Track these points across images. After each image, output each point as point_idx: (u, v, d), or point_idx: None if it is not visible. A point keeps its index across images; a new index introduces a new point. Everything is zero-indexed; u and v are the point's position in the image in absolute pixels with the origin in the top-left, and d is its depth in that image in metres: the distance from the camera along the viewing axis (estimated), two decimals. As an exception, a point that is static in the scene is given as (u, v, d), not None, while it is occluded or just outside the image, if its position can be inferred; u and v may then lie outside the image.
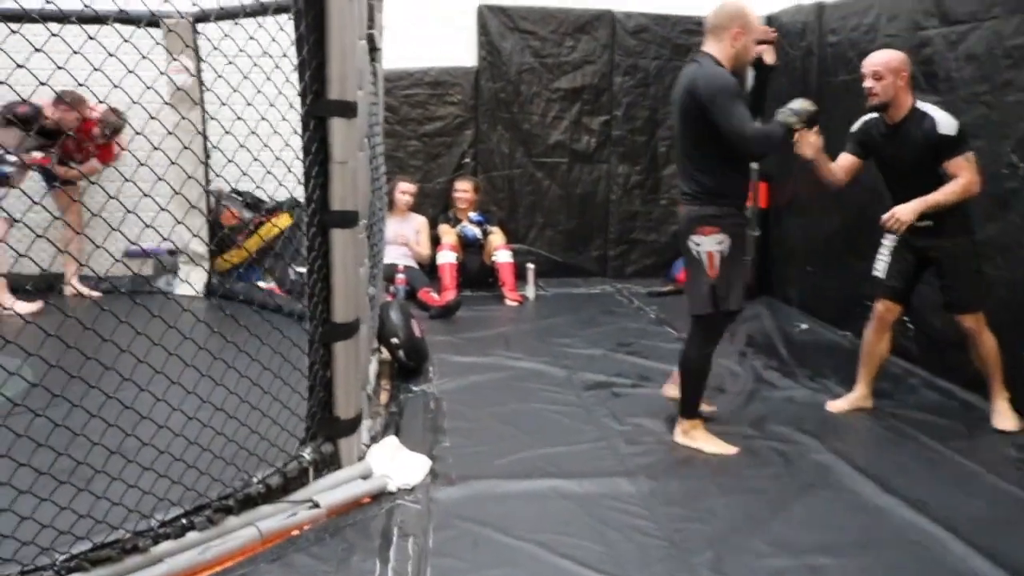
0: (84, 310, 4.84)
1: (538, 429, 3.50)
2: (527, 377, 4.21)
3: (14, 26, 2.02)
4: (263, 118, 2.64)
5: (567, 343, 4.84)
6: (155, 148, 2.20)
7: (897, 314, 3.68)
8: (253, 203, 5.63)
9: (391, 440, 3.14)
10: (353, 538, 2.53)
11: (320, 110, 2.62)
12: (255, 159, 2.70)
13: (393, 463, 2.98)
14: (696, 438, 3.35)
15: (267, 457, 2.65)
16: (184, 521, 2.32)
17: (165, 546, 2.24)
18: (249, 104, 2.62)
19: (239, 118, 2.63)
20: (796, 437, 3.45)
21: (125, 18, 3.26)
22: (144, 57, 2.30)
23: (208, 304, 5.40)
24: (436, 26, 6.34)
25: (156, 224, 2.48)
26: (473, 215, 6.17)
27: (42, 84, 2.04)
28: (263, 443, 2.67)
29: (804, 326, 5.27)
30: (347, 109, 2.68)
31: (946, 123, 3.31)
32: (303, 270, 2.93)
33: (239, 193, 5.72)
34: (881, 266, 3.63)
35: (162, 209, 2.43)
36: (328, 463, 2.82)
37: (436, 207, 6.51)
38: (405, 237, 6.13)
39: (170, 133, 2.31)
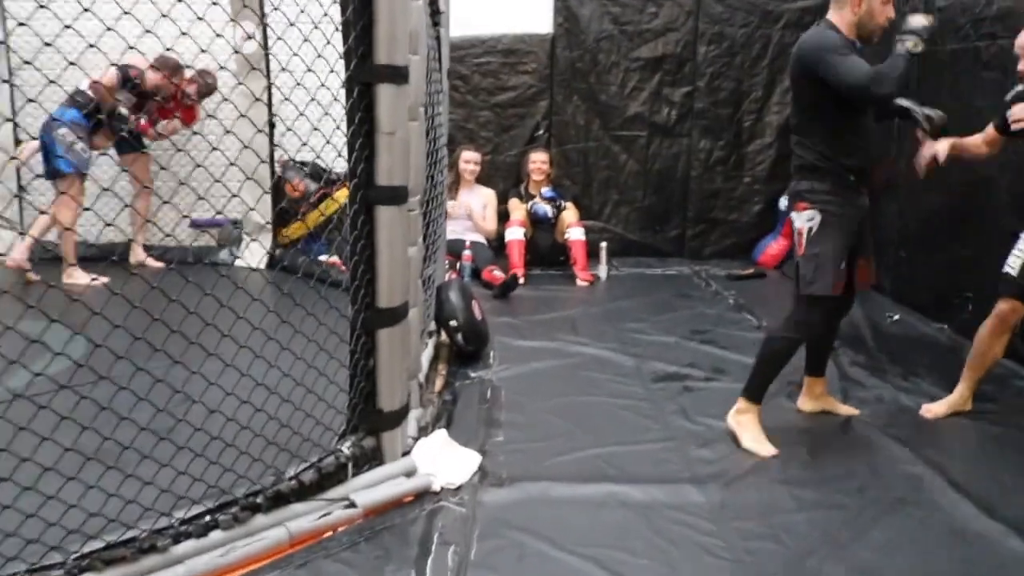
0: (142, 282, 4.78)
1: (600, 425, 3.24)
2: (592, 365, 3.95)
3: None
4: (323, 84, 2.41)
5: (638, 328, 4.56)
6: (227, 131, 2.05)
7: (1023, 315, 3.30)
8: (315, 173, 5.47)
9: (440, 434, 2.93)
10: (389, 543, 2.32)
11: (366, 75, 2.39)
12: (315, 128, 2.50)
13: (440, 459, 2.77)
14: (742, 424, 3.08)
15: (301, 452, 2.46)
16: (208, 519, 2.15)
17: (186, 546, 2.07)
18: (309, 70, 2.40)
19: (299, 84, 2.42)
20: (884, 444, 3.11)
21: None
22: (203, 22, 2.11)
23: (268, 278, 5.28)
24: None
25: (218, 195, 2.31)
26: (546, 191, 5.89)
27: (130, 48, 2.03)
28: (305, 431, 2.48)
29: (895, 317, 4.87)
30: (396, 75, 2.45)
31: None
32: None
33: (302, 164, 5.58)
34: (1016, 263, 3.24)
35: (217, 180, 2.27)
36: (369, 458, 2.62)
37: (507, 181, 6.28)
38: (471, 210, 5.91)
39: (241, 118, 2.12)
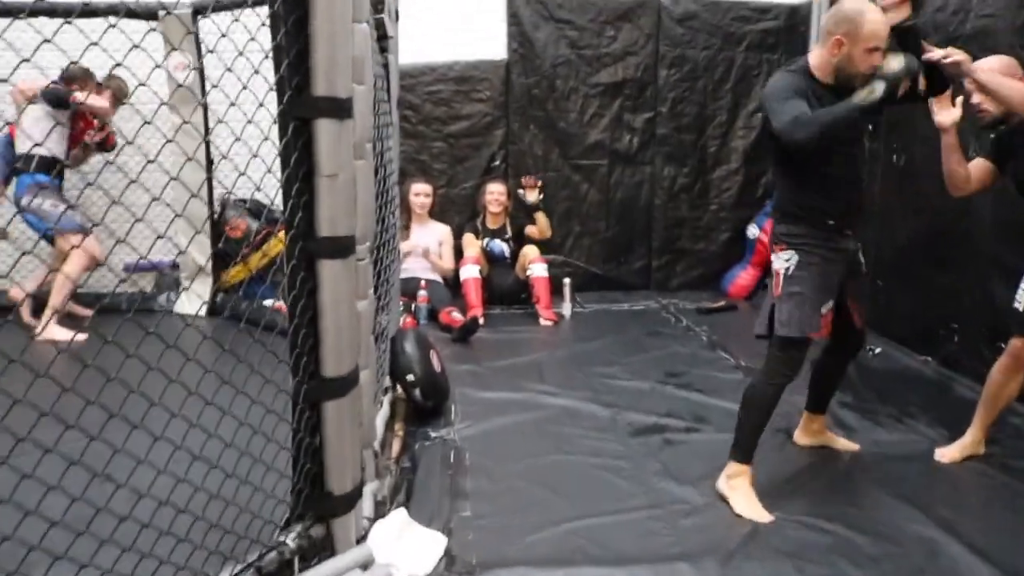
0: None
1: (578, 491, 2.91)
2: (564, 418, 3.62)
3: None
4: (250, 121, 2.05)
5: (609, 373, 4.24)
6: (150, 161, 1.71)
7: None
8: (256, 211, 5.09)
9: (399, 514, 2.57)
10: (342, 661, 1.97)
11: (302, 109, 2.05)
12: (255, 155, 2.13)
13: (401, 545, 2.42)
14: (735, 488, 2.82)
15: (239, 550, 2.08)
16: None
17: None
18: (233, 104, 2.03)
19: (222, 120, 2.05)
20: (890, 502, 2.83)
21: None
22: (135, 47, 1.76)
23: (210, 325, 4.88)
24: (462, 15, 5.76)
25: (154, 235, 1.93)
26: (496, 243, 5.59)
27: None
28: (242, 525, 2.09)
29: (877, 349, 4.63)
30: (338, 108, 2.11)
31: None
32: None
33: (242, 200, 5.20)
34: None
35: (138, 219, 1.88)
36: (319, 549, 2.24)
37: (462, 215, 5.95)
38: (425, 248, 5.56)
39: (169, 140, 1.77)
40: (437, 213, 5.78)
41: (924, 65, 2.65)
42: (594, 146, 6.07)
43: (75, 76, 4.77)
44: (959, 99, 2.97)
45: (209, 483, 1.98)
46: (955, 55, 2.66)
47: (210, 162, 5.02)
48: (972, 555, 2.47)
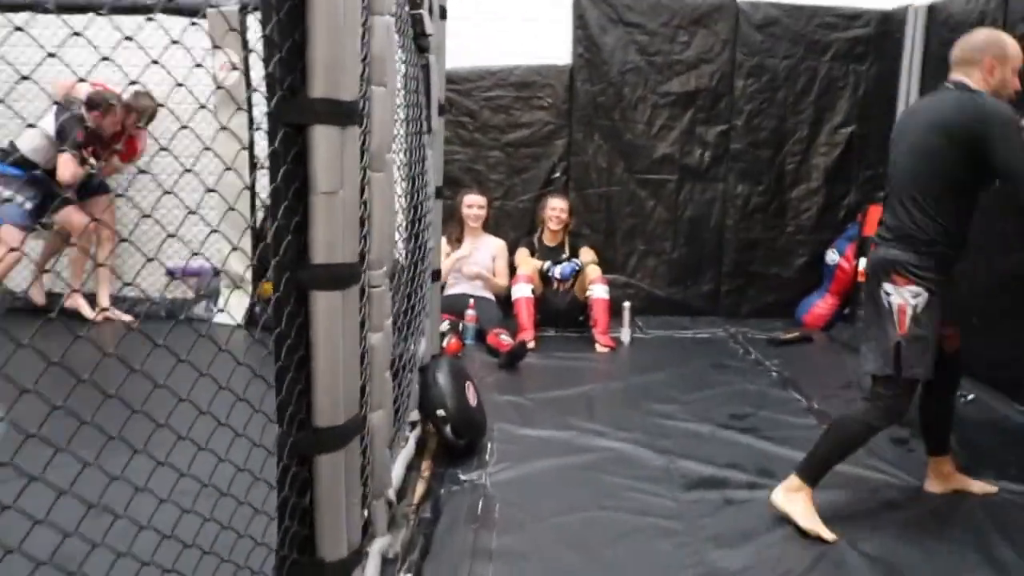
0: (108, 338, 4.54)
1: (615, 559, 2.53)
2: (610, 465, 3.24)
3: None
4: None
5: (666, 412, 3.85)
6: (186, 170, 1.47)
7: None
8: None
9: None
10: None
11: (294, 114, 1.74)
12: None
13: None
14: (796, 502, 2.75)
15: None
16: None
17: None
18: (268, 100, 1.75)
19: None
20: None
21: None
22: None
23: (244, 338, 4.64)
24: (523, 17, 5.42)
25: (195, 241, 1.66)
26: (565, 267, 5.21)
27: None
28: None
29: (970, 396, 4.14)
30: (339, 113, 1.79)
31: None
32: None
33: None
34: None
35: (192, 212, 1.61)
36: (306, 627, 1.93)
37: (519, 229, 5.60)
38: (478, 263, 5.24)
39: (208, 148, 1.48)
40: (492, 227, 5.46)
41: None
42: (662, 160, 5.67)
43: (97, 104, 4.81)
44: None
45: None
46: None
47: (253, 166, 4.78)
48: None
